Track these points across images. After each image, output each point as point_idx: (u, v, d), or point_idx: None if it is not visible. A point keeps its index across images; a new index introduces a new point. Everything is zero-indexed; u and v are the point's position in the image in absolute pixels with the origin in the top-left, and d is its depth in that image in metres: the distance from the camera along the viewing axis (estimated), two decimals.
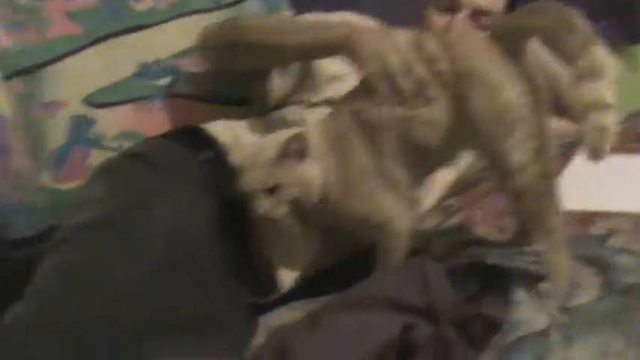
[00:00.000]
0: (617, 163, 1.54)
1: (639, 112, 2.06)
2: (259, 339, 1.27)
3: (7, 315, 1.20)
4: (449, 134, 1.25)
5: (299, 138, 1.25)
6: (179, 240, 1.29)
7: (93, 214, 1.32)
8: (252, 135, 1.47)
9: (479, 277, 1.19)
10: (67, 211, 1.44)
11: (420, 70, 1.24)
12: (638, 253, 1.24)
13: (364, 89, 1.31)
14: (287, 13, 1.79)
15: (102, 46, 1.75)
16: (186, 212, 1.33)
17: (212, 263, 1.33)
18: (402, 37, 1.29)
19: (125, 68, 1.78)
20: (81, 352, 1.14)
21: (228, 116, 1.56)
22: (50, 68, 1.72)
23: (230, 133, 1.48)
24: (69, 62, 1.73)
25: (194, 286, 1.28)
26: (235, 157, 1.39)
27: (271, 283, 1.41)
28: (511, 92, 1.20)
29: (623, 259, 1.22)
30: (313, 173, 1.27)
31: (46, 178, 1.71)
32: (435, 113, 1.24)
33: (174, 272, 1.26)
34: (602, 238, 1.31)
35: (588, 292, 1.17)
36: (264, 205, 1.25)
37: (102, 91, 1.75)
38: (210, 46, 1.63)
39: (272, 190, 1.25)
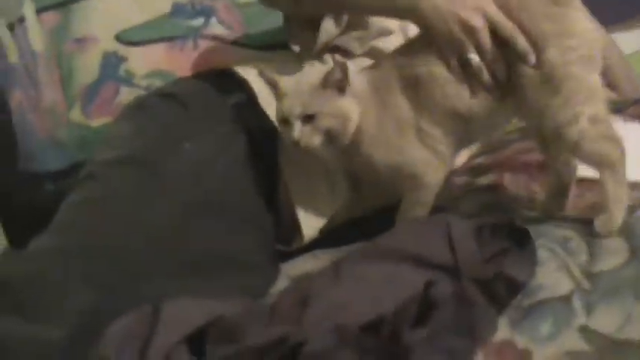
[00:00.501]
0: None
1: None
2: (280, 285, 1.28)
3: (31, 246, 1.21)
4: (494, 104, 1.25)
5: (342, 69, 1.24)
6: (207, 181, 1.29)
7: (121, 151, 1.32)
8: (287, 82, 1.46)
9: (504, 236, 1.18)
10: (95, 147, 1.45)
11: (488, 44, 1.22)
12: None
13: (418, 48, 1.30)
14: None
15: None
16: (214, 154, 1.33)
17: (237, 207, 1.33)
18: (475, 18, 1.24)
19: (159, 7, 1.78)
20: (102, 284, 1.14)
21: (261, 60, 1.55)
22: (84, 3, 1.73)
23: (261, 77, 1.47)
24: None
25: (219, 228, 1.28)
26: (269, 104, 1.39)
27: (295, 232, 1.41)
28: (553, 50, 1.19)
29: None
30: (351, 108, 1.25)
31: (76, 114, 1.72)
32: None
33: (200, 212, 1.26)
34: (631, 208, 1.29)
35: (614, 257, 1.15)
36: (298, 132, 1.23)
37: (135, 28, 1.75)
38: None
39: (309, 119, 1.24)
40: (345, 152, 1.29)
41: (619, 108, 1.80)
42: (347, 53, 1.51)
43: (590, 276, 1.12)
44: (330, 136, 1.25)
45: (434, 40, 1.27)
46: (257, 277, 1.30)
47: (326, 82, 1.24)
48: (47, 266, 1.17)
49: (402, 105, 1.27)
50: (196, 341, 1.00)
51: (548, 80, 1.20)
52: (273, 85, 1.29)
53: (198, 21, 1.80)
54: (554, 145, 1.27)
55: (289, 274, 1.33)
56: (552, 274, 1.13)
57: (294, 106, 1.24)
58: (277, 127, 1.37)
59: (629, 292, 1.07)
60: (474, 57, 1.23)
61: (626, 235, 1.20)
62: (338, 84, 1.24)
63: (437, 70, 1.26)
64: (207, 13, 1.80)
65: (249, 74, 1.45)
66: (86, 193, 1.29)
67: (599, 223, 1.21)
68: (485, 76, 1.23)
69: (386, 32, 1.53)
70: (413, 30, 1.40)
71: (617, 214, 1.20)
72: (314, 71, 1.30)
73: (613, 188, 1.21)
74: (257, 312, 1.07)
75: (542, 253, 1.18)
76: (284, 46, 1.56)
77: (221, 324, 1.01)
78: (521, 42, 1.20)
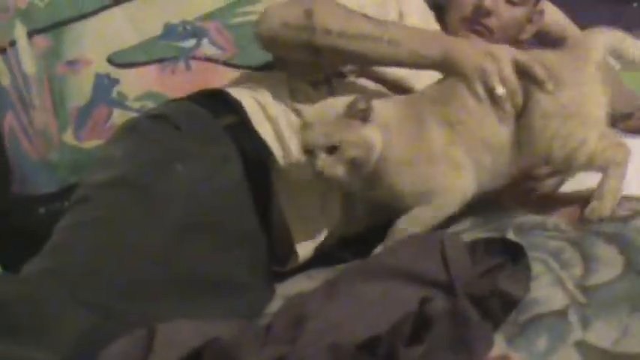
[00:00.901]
0: None
1: None
2: (275, 306, 1.27)
3: (24, 270, 1.20)
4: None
5: (365, 100, 1.26)
6: (200, 203, 1.29)
7: (114, 173, 1.32)
8: (278, 102, 1.46)
9: (498, 252, 1.18)
10: (87, 169, 1.44)
11: (511, 73, 1.31)
12: None
13: (450, 83, 1.35)
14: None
15: (128, 5, 1.75)
16: (207, 176, 1.33)
17: (231, 228, 1.32)
18: (501, 52, 1.34)
19: (151, 28, 1.78)
20: (97, 307, 1.13)
21: (253, 81, 1.55)
22: (76, 25, 1.72)
23: (254, 98, 1.47)
24: (95, 20, 1.73)
25: (213, 250, 1.27)
26: (262, 125, 1.41)
27: (289, 252, 1.41)
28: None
29: None
30: (375, 137, 1.27)
31: (68, 136, 1.72)
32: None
33: (194, 235, 1.25)
34: (627, 219, 1.29)
35: (609, 269, 1.16)
36: (322, 163, 1.24)
37: (126, 50, 1.75)
38: (282, 44, 1.48)
39: (332, 150, 1.24)
40: (367, 180, 1.30)
41: (612, 122, 1.81)
42: (340, 74, 1.52)
43: (585, 289, 1.12)
44: (354, 166, 1.26)
45: (464, 78, 1.33)
46: (252, 297, 1.30)
47: (349, 112, 1.25)
48: (41, 289, 1.16)
49: (435, 136, 1.31)
50: None
51: (558, 115, 1.30)
52: (297, 114, 1.31)
53: (190, 42, 1.80)
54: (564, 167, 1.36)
55: (284, 294, 1.33)
56: (547, 288, 1.13)
57: (318, 136, 1.24)
58: (270, 148, 1.38)
59: (625, 305, 1.07)
60: (499, 87, 1.30)
61: (620, 247, 1.20)
62: (361, 114, 1.25)
63: (471, 104, 1.32)
64: (198, 34, 1.81)
65: (242, 95, 1.45)
66: (79, 215, 1.29)
67: (589, 210, 1.29)
68: (508, 104, 1.30)
69: None
70: None
71: (609, 204, 1.29)
72: (337, 101, 1.30)
73: (614, 181, 1.30)
74: (252, 333, 1.06)
75: (536, 267, 1.18)
76: (276, 67, 1.56)
77: (217, 345, 1.00)
78: (539, 70, 1.30)
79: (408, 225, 1.32)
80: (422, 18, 1.65)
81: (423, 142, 1.31)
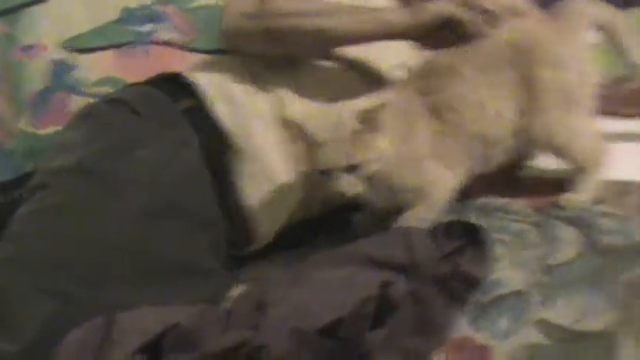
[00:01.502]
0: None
1: (623, 77, 2.05)
2: (238, 290, 1.27)
3: None
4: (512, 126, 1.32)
5: (381, 110, 1.20)
6: (159, 188, 1.27)
7: (72, 160, 1.29)
8: (238, 85, 1.45)
9: (459, 235, 1.18)
10: (44, 156, 1.42)
11: None
12: (621, 217, 1.24)
13: (441, 72, 1.33)
14: None
15: None
16: (167, 160, 1.31)
17: (191, 213, 1.31)
18: None
19: (107, 13, 1.75)
20: (58, 294, 1.12)
21: (211, 65, 1.54)
22: (31, 10, 1.69)
23: (213, 82, 1.45)
24: (50, 4, 1.70)
25: (173, 235, 1.26)
26: (220, 109, 1.39)
27: (249, 236, 1.40)
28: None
29: (606, 222, 1.23)
30: (387, 147, 1.23)
31: (25, 123, 1.68)
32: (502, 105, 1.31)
33: (153, 219, 1.24)
34: (589, 203, 1.31)
35: (569, 249, 1.18)
36: (347, 185, 1.20)
37: (84, 35, 1.72)
38: (244, 36, 1.46)
39: (353, 169, 1.20)
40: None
41: None
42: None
43: (546, 269, 1.13)
44: (373, 179, 1.23)
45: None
46: (213, 282, 1.28)
47: (365, 126, 1.19)
48: (1, 278, 1.15)
49: (426, 129, 1.29)
50: (154, 350, 0.99)
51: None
52: (297, 130, 1.24)
53: (148, 26, 1.77)
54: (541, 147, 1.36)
55: (246, 279, 1.32)
56: (509, 270, 1.15)
57: (339, 158, 1.19)
58: (228, 131, 1.36)
59: (586, 283, 1.08)
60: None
61: (580, 228, 1.21)
62: (375, 124, 1.20)
63: (467, 95, 1.30)
64: (157, 18, 1.78)
65: (200, 78, 1.44)
66: (37, 203, 1.26)
67: (564, 200, 1.31)
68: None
69: None
70: None
71: (586, 198, 1.32)
72: (341, 112, 1.24)
73: (591, 180, 1.33)
74: (214, 318, 1.06)
75: (498, 249, 1.19)
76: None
77: (178, 331, 1.00)
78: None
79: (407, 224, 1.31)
80: None
81: (415, 135, 1.29)
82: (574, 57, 1.34)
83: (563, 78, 1.31)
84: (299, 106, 1.41)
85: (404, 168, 1.27)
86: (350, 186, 1.20)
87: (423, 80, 1.34)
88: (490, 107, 1.31)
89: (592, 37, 1.40)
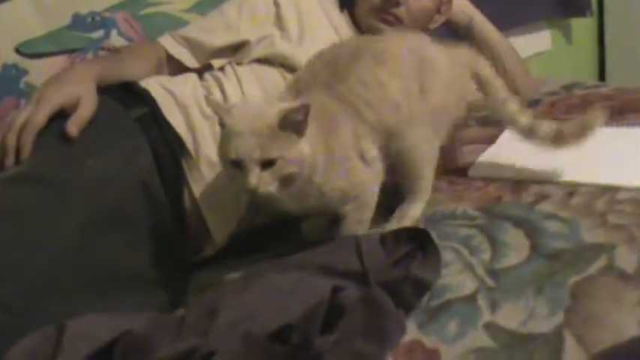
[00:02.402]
0: None
1: (573, 83, 2.10)
2: (190, 297, 1.27)
3: None
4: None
5: (305, 111, 1.14)
6: (110, 197, 1.27)
7: (21, 168, 1.28)
8: (188, 90, 1.45)
9: (409, 240, 1.20)
10: None
11: None
12: (567, 219, 1.26)
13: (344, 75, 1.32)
14: None
15: None
16: (118, 170, 1.31)
17: (141, 222, 1.31)
18: None
19: (59, 18, 1.74)
20: (5, 305, 1.11)
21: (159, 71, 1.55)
22: None
23: (163, 88, 1.45)
24: (1, 9, 1.68)
25: (123, 244, 1.25)
26: (172, 115, 1.41)
27: (203, 241, 1.40)
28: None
29: (552, 225, 1.25)
30: (308, 151, 1.17)
31: None
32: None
33: (104, 229, 1.23)
34: (532, 204, 1.34)
35: (516, 253, 1.20)
36: (257, 179, 1.12)
37: (35, 40, 1.71)
38: None
39: (268, 165, 1.13)
40: (299, 190, 1.21)
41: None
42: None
43: (493, 273, 1.15)
44: (287, 181, 1.16)
45: None
46: (165, 291, 1.29)
47: (285, 124, 1.13)
48: None
49: (345, 131, 1.28)
50: (104, 358, 0.98)
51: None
52: (221, 115, 1.17)
53: (98, 33, 1.77)
54: None
55: (197, 285, 1.32)
56: (457, 275, 1.16)
57: (253, 149, 1.12)
58: (181, 137, 1.37)
59: (531, 287, 1.10)
60: None
61: (526, 232, 1.24)
62: (297, 126, 1.15)
63: (367, 94, 1.30)
64: (107, 25, 1.77)
65: (151, 85, 1.44)
66: None
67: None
68: None
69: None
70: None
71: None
72: (263, 107, 1.20)
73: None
74: (165, 325, 1.06)
75: (447, 255, 1.21)
76: None
77: (129, 338, 0.99)
78: None
79: (349, 231, 1.31)
80: (319, 12, 1.67)
81: (335, 139, 1.26)
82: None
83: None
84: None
85: (329, 171, 1.23)
86: (261, 182, 1.12)
87: (331, 83, 1.31)
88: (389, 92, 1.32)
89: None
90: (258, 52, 1.55)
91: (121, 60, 1.54)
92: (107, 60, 1.59)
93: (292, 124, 1.14)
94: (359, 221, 1.32)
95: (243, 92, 1.48)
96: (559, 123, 1.41)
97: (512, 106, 1.45)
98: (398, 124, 1.32)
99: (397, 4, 1.67)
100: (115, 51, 1.63)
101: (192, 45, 1.60)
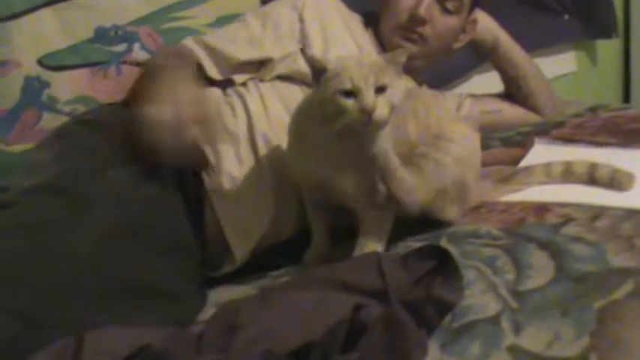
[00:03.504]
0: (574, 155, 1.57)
1: (598, 105, 2.08)
2: (208, 312, 1.25)
3: None
4: None
5: (406, 53, 1.24)
6: (130, 209, 1.26)
7: (42, 179, 1.28)
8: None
9: (431, 259, 1.18)
10: (15, 174, 1.40)
11: None
12: (593, 242, 1.24)
13: None
14: None
15: (59, 6, 1.71)
16: (138, 182, 1.30)
17: (162, 235, 1.30)
18: None
19: (82, 31, 1.74)
20: (24, 314, 1.10)
21: None
22: (5, 25, 1.67)
23: None
24: (25, 21, 1.69)
25: (144, 256, 1.24)
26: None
27: (224, 257, 1.39)
28: None
29: (577, 248, 1.23)
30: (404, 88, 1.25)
31: None
32: None
33: (124, 241, 1.22)
34: (557, 226, 1.32)
35: (541, 275, 1.18)
36: (374, 100, 1.15)
37: (58, 53, 1.71)
38: None
39: (380, 91, 1.17)
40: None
41: (543, 130, 1.85)
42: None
43: (517, 295, 1.13)
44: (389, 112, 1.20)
45: None
46: (183, 305, 1.27)
47: (391, 61, 1.21)
48: None
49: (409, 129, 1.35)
50: None
51: None
52: (318, 65, 1.23)
53: (122, 47, 1.77)
54: None
55: (216, 301, 1.31)
56: (480, 295, 1.15)
57: (367, 76, 1.16)
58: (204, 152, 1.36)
59: (556, 310, 1.08)
60: None
61: (551, 253, 1.22)
62: (398, 67, 1.22)
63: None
64: (130, 38, 1.78)
65: None
66: (6, 221, 1.24)
67: None
68: None
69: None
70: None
71: None
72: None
73: None
74: (184, 340, 1.04)
75: (469, 274, 1.19)
76: None
77: (148, 353, 0.98)
78: None
79: (367, 242, 1.31)
80: (343, 29, 1.66)
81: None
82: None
83: None
84: (266, 123, 1.42)
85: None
86: (378, 105, 1.16)
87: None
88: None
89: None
90: (281, 69, 1.55)
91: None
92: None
93: (395, 64, 1.21)
94: (378, 231, 1.31)
95: (265, 109, 1.47)
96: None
97: None
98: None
99: (423, 23, 1.66)
100: (164, 56, 1.57)
101: (215, 55, 1.56)
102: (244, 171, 1.41)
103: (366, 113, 1.15)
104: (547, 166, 1.53)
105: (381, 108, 1.16)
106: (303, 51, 1.56)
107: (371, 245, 1.31)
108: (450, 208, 1.39)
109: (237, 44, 1.58)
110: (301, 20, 1.61)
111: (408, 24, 1.67)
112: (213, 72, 1.55)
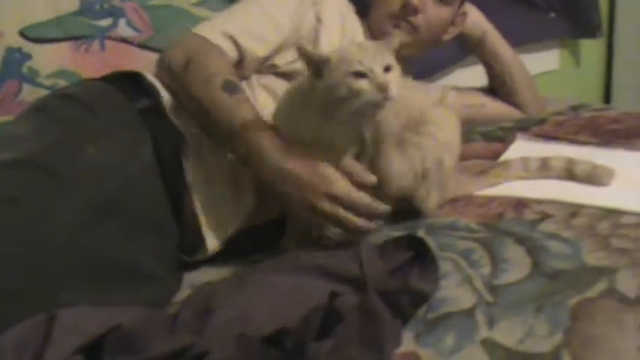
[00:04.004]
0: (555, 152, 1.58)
1: (580, 105, 2.09)
2: (183, 294, 1.25)
3: None
4: None
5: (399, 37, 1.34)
6: (109, 187, 1.25)
7: (20, 153, 1.26)
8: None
9: (409, 249, 1.18)
10: None
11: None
12: (569, 240, 1.25)
13: None
14: None
15: None
16: (118, 160, 1.29)
17: (140, 215, 1.29)
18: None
19: (67, 4, 1.72)
20: None
21: None
22: None
23: None
24: None
25: (120, 235, 1.23)
26: (174, 109, 1.39)
27: (198, 242, 1.38)
28: None
29: (554, 244, 1.24)
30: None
31: None
32: None
33: (101, 219, 1.21)
34: (535, 222, 1.32)
35: (517, 269, 1.18)
36: (385, 79, 1.20)
37: (41, 25, 1.69)
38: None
39: (387, 70, 1.22)
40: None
41: (524, 127, 1.86)
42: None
43: (492, 289, 1.13)
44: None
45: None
46: (159, 286, 1.27)
47: (388, 44, 1.26)
48: None
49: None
50: (94, 351, 0.96)
51: None
52: (316, 58, 1.24)
53: (107, 21, 1.75)
54: None
55: (192, 283, 1.30)
56: (455, 288, 1.15)
57: (375, 56, 1.21)
58: (183, 134, 1.35)
59: (531, 305, 1.09)
60: None
61: (528, 249, 1.22)
62: (394, 50, 1.27)
63: None
64: (115, 13, 1.76)
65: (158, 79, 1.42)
66: None
67: None
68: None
69: None
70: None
71: None
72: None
73: None
74: (158, 321, 1.04)
75: (445, 266, 1.19)
76: None
77: (120, 333, 0.98)
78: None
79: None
80: (337, 21, 1.64)
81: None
82: None
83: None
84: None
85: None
86: (391, 83, 1.19)
87: None
88: None
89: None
90: (288, 68, 1.53)
91: None
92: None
93: (393, 46, 1.27)
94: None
95: (256, 102, 1.45)
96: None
97: None
98: None
99: (416, 12, 1.65)
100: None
101: (238, 49, 1.50)
102: (224, 160, 1.40)
103: (383, 90, 1.19)
104: (525, 161, 1.54)
105: (393, 85, 1.20)
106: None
107: None
108: (430, 196, 1.39)
109: (264, 41, 1.53)
110: (319, 20, 1.59)
111: (401, 12, 1.66)
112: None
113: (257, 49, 1.51)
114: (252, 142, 1.27)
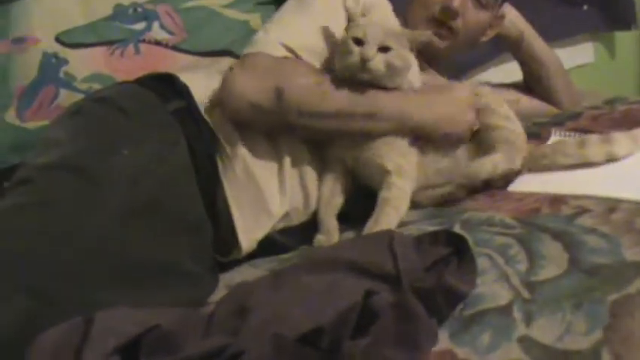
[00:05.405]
0: None
1: (616, 98, 2.06)
2: (219, 295, 1.25)
3: None
4: None
5: (430, 39, 1.52)
6: (145, 188, 1.26)
7: (57, 156, 1.29)
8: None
9: (443, 244, 1.18)
10: (30, 150, 1.40)
11: None
12: (607, 235, 1.23)
13: None
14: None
15: None
16: (153, 162, 1.30)
17: (176, 215, 1.30)
18: None
19: (101, 9, 1.74)
20: (36, 292, 1.10)
21: (201, 67, 1.54)
22: (24, 2, 1.67)
23: (203, 85, 1.45)
24: None
25: (156, 237, 1.24)
26: (205, 107, 1.41)
27: (233, 242, 1.39)
28: None
29: (592, 239, 1.22)
30: (414, 62, 1.49)
31: (11, 116, 1.67)
32: None
33: (138, 220, 1.22)
34: (572, 217, 1.30)
35: (554, 265, 1.16)
36: (373, 53, 1.37)
37: (76, 30, 1.72)
38: (251, 122, 1.43)
39: (383, 50, 1.39)
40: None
41: (559, 122, 1.83)
42: None
43: (529, 285, 1.12)
44: (391, 71, 1.39)
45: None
46: (195, 286, 1.27)
47: (409, 37, 1.43)
48: None
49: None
50: (131, 352, 0.97)
51: None
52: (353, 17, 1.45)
53: (140, 25, 1.77)
54: None
55: (227, 283, 1.31)
56: (492, 284, 1.13)
57: (378, 33, 1.37)
58: (217, 135, 1.36)
59: (569, 302, 1.07)
60: None
61: (565, 245, 1.21)
62: (413, 44, 1.44)
63: None
64: (148, 17, 1.77)
65: (191, 80, 1.43)
66: (19, 197, 1.25)
67: None
68: None
69: None
70: None
71: None
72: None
73: None
74: (194, 322, 1.04)
75: (481, 262, 1.18)
76: (224, 53, 1.54)
77: (157, 334, 0.98)
78: None
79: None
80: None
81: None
82: None
83: None
84: None
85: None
86: (375, 58, 1.36)
87: None
88: None
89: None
90: None
91: None
92: None
93: (412, 41, 1.43)
94: (397, 202, 1.37)
95: None
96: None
97: None
98: None
99: (456, 16, 1.64)
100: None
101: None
102: (260, 160, 1.41)
103: (363, 60, 1.35)
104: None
105: (377, 62, 1.36)
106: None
107: (385, 219, 1.35)
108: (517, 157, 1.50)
109: (315, 54, 1.52)
110: None
111: (440, 16, 1.65)
112: None
113: (315, 62, 1.50)
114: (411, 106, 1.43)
